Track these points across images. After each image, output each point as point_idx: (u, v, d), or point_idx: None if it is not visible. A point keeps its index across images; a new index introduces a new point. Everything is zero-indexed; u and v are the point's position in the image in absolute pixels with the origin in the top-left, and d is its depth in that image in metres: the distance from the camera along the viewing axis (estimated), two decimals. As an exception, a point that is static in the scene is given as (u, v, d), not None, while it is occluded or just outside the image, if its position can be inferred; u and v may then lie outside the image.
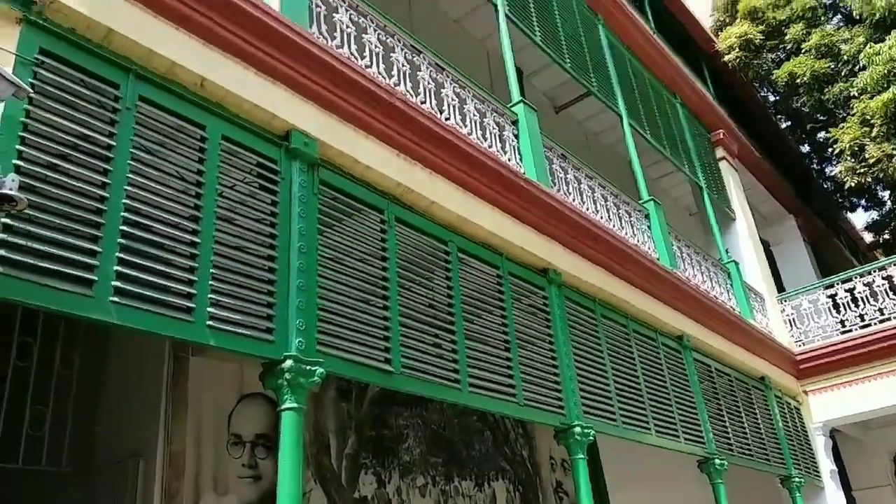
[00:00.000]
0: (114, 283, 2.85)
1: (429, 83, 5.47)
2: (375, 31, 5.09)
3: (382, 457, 6.06)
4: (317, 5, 4.59)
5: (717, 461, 7.05)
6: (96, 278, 2.79)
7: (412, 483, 6.25)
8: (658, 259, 7.68)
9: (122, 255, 2.92)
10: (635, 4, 11.20)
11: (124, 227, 2.97)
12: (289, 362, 3.37)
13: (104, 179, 2.95)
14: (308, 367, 3.44)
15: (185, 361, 4.78)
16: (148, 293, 2.95)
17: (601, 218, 7.02)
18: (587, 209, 6.86)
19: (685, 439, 6.76)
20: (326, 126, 4.17)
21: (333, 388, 5.73)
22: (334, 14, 4.74)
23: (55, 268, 2.67)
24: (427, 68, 5.55)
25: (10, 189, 2.16)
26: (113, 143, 3.03)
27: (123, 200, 3.01)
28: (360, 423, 5.92)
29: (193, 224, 3.26)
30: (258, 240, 3.55)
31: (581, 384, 5.60)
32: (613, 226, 7.21)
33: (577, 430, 5.23)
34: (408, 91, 5.13)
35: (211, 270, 3.24)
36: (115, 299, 2.83)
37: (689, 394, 7.26)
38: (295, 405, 3.36)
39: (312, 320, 3.60)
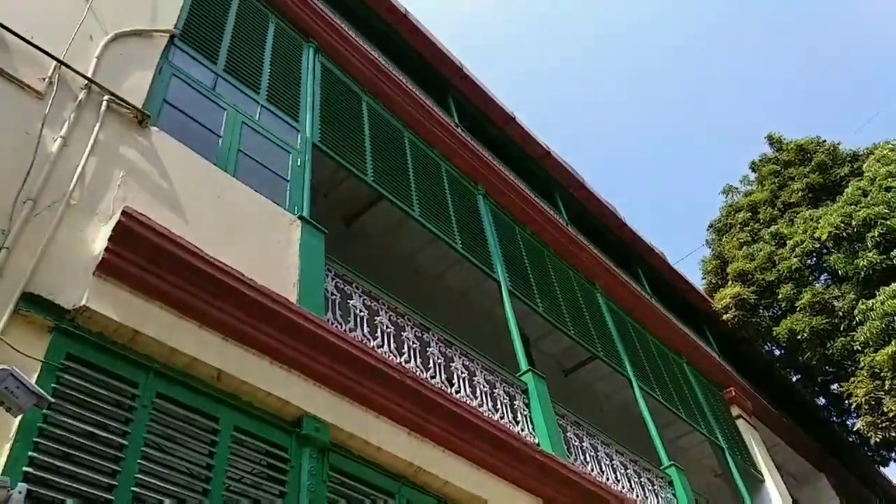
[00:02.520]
0: None
1: (438, 358, 5.62)
2: (387, 312, 5.37)
3: None
4: (332, 294, 4.91)
5: None
6: (89, 592, 2.62)
7: None
8: (688, 532, 7.17)
9: (119, 564, 2.77)
10: (630, 272, 11.91)
11: (126, 530, 2.86)
12: None
13: (111, 481, 2.91)
14: None
15: None
16: None
17: (622, 489, 6.70)
18: (606, 478, 6.59)
19: None
20: (338, 409, 4.21)
21: None
22: (349, 301, 5.05)
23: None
24: (436, 344, 5.75)
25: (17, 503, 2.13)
26: (125, 442, 3.05)
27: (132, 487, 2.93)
28: None
29: (197, 522, 3.13)
30: (263, 536, 3.38)
31: None
32: (636, 496, 6.85)
33: None
34: (418, 367, 5.26)
35: (211, 574, 3.04)
36: None
37: None
38: None
39: None
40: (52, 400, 2.77)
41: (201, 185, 4.31)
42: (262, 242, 4.49)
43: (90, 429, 2.94)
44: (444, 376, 5.52)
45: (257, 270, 4.11)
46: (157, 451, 3.15)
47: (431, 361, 5.55)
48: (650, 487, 7.38)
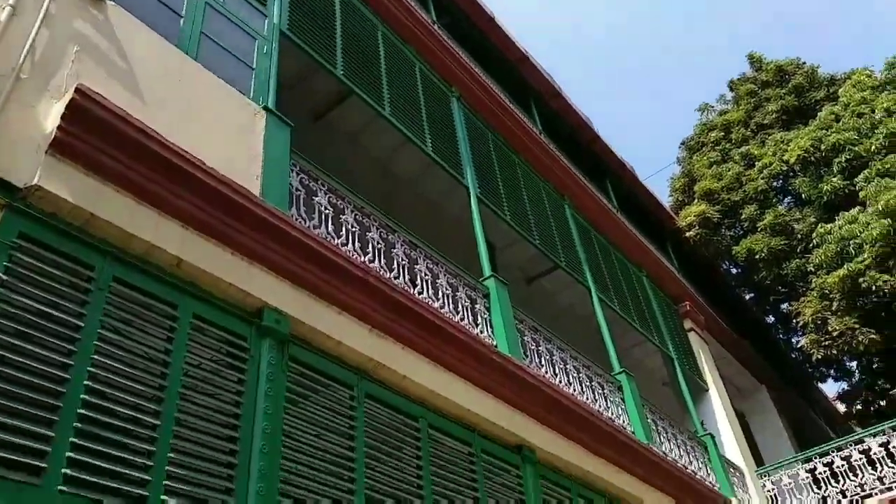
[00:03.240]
0: (65, 470, 2.73)
1: (403, 259, 5.65)
2: (352, 211, 5.34)
3: None
4: (297, 189, 4.84)
5: None
6: (46, 465, 2.68)
7: None
8: (633, 433, 7.56)
9: (76, 441, 2.82)
10: (599, 185, 11.96)
11: (83, 411, 2.89)
12: (243, 554, 3.16)
13: (67, 361, 2.92)
14: (264, 558, 3.22)
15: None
16: (100, 481, 2.82)
17: (574, 391, 6.99)
18: (559, 382, 6.85)
19: None
20: (300, 303, 4.24)
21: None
22: (313, 197, 4.99)
23: (2, 455, 2.56)
24: (401, 245, 5.76)
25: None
26: (81, 323, 3.04)
27: (85, 382, 2.95)
28: None
29: (155, 405, 3.18)
30: (221, 420, 3.46)
31: (557, 573, 5.27)
32: (586, 398, 7.16)
33: None
34: (382, 267, 5.29)
35: (169, 454, 3.12)
36: (64, 488, 2.70)
37: (672, 582, 6.85)
38: None
39: (272, 505, 3.43)
40: (4, 277, 2.72)
41: (160, 66, 4.12)
42: (225, 132, 4.37)
43: (45, 308, 2.92)
44: (407, 277, 5.58)
45: (219, 160, 4.02)
46: (114, 334, 3.16)
47: (395, 262, 5.58)
48: (600, 391, 7.71)
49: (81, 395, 2.90)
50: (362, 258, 5.09)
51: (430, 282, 5.88)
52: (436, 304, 5.66)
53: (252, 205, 4.05)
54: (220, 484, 3.27)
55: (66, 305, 3.01)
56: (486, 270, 6.74)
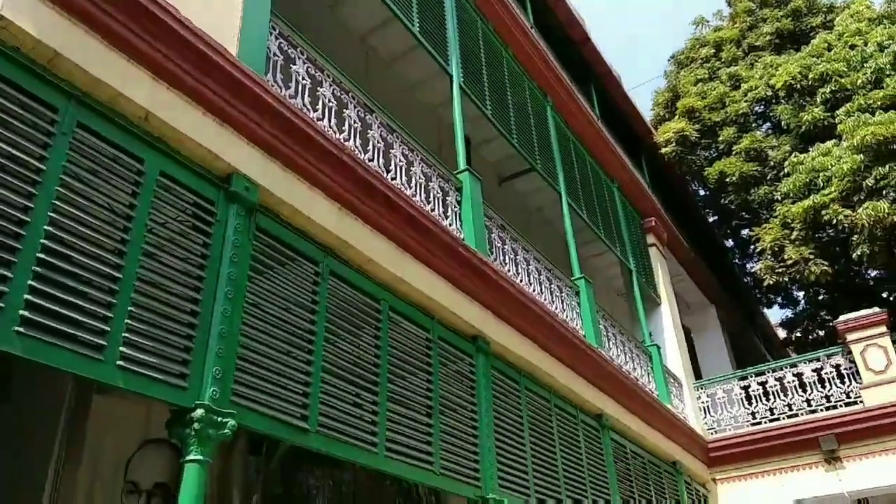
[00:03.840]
0: (22, 312, 2.70)
1: (378, 142, 5.53)
2: (331, 85, 5.15)
3: (288, 516, 5.81)
4: (274, 54, 4.62)
5: (626, 545, 7.06)
6: (3, 305, 2.64)
7: (316, 546, 6.00)
8: (585, 336, 7.82)
9: (34, 284, 2.77)
10: (583, 91, 11.74)
11: (42, 255, 2.83)
12: (199, 411, 3.22)
13: (27, 203, 2.82)
14: (219, 419, 3.30)
15: (88, 400, 4.52)
16: (58, 326, 2.80)
17: (534, 291, 7.13)
18: (521, 280, 6.97)
19: (596, 520, 6.76)
20: (270, 173, 4.14)
21: (244, 440, 5.50)
22: (291, 65, 4.78)
23: (-41, 290, 2.51)
24: (378, 127, 5.62)
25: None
26: (43, 167, 2.92)
27: (45, 227, 2.88)
28: (268, 478, 5.68)
29: (117, 258, 3.13)
30: (184, 281, 3.44)
31: (499, 456, 5.56)
32: (545, 299, 7.33)
33: (491, 503, 5.16)
34: (357, 147, 5.18)
35: (129, 308, 3.11)
36: (22, 329, 2.68)
37: (603, 474, 7.30)
38: (200, 457, 3.20)
39: (230, 369, 3.48)
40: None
41: None
42: (203, -18, 4.08)
43: (5, 147, 2.79)
44: (381, 161, 5.47)
45: (196, 14, 3.78)
46: (77, 182, 3.05)
47: (371, 144, 5.46)
48: (558, 294, 7.89)
49: (41, 240, 2.83)
50: (338, 135, 4.96)
51: (403, 168, 5.79)
52: (408, 192, 5.61)
53: (228, 64, 3.86)
54: (180, 342, 3.29)
55: (26, 146, 2.87)
56: (462, 164, 6.66)
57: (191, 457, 3.19)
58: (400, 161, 5.77)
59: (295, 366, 3.93)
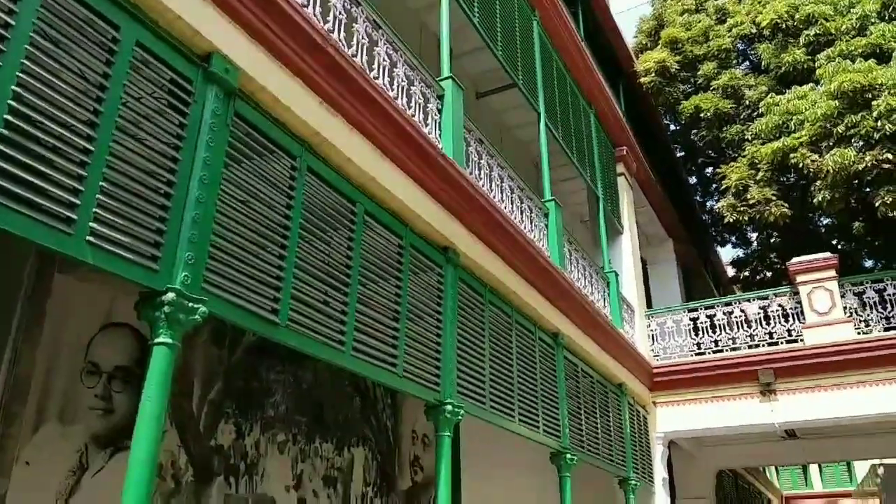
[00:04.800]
0: (-12, 175, 2.55)
1: (363, 38, 5.30)
2: (318, -30, 4.85)
3: (247, 408, 5.88)
4: (262, -72, 4.29)
5: (569, 456, 7.40)
6: (-32, 166, 2.49)
7: (272, 438, 6.11)
8: (549, 257, 7.91)
9: (2, 148, 2.61)
10: (570, 10, 11.41)
11: (9, 117, 2.65)
12: (170, 295, 3.16)
13: (-5, 59, 2.62)
14: (190, 304, 3.24)
15: (49, 278, 4.39)
16: (25, 194, 2.66)
17: (506, 208, 7.12)
18: (495, 197, 6.94)
19: (545, 431, 7.03)
20: (252, 57, 3.94)
21: (208, 330, 5.48)
22: (279, -58, 4.46)
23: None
24: (364, 22, 5.37)
25: None
26: (12, 21, 2.70)
27: (13, 87, 2.68)
28: (231, 370, 5.71)
29: (89, 129, 2.96)
30: (159, 161, 3.29)
31: (459, 365, 5.68)
32: (515, 218, 7.33)
33: (449, 408, 5.30)
34: (341, 41, 4.95)
35: (101, 182, 2.97)
36: (-13, 194, 2.54)
37: (554, 389, 7.56)
38: (169, 341, 3.16)
39: (203, 256, 3.40)
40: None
41: None
42: None
43: (-31, -7, 2.56)
44: (365, 59, 5.26)
45: None
46: (49, 43, 2.83)
47: (356, 39, 5.23)
48: (528, 214, 7.91)
49: (8, 101, 2.65)
50: (322, 25, 4.72)
51: (387, 69, 5.59)
52: (390, 94, 5.43)
53: (213, -69, 3.58)
54: (153, 223, 3.18)
55: (-6, -4, 2.64)
56: (446, 71, 6.47)
57: (160, 339, 3.14)
58: (384, 61, 5.56)
59: (268, 259, 3.87)
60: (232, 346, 5.75)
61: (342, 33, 5.02)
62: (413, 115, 5.72)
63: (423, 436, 8.18)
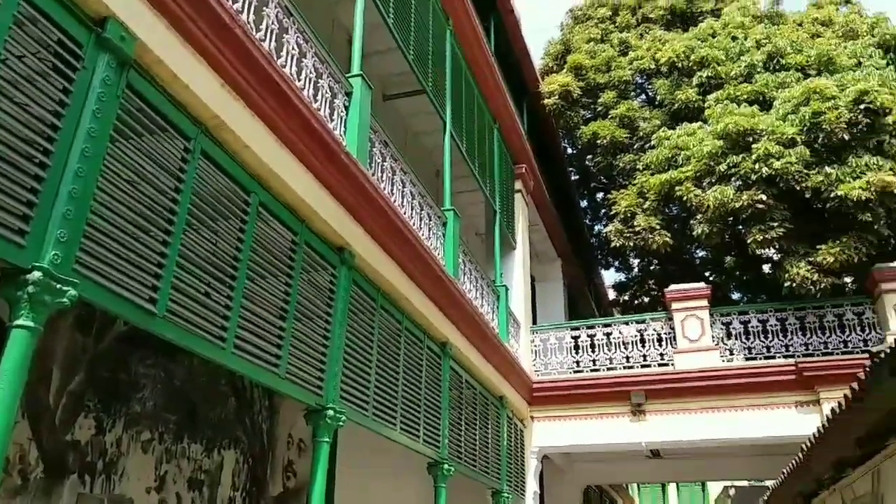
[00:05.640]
0: None
1: (273, 23, 5.10)
2: (232, -54, 4.62)
3: (111, 402, 5.45)
4: None
5: (447, 466, 7.42)
6: None
7: (136, 436, 5.71)
8: (445, 266, 7.93)
9: None
10: (483, 25, 11.58)
11: None
12: (36, 274, 2.86)
13: None
14: (58, 286, 2.95)
15: None
16: None
17: (405, 213, 7.07)
18: (395, 201, 6.87)
19: (424, 441, 7.01)
20: (152, 28, 3.67)
21: (73, 315, 5.05)
22: None
23: None
24: (275, 7, 5.17)
25: None
26: None
27: None
28: (96, 359, 5.28)
29: (-46, 83, 2.64)
30: (36, 126, 2.99)
31: (345, 369, 5.54)
32: (414, 224, 7.30)
33: (331, 413, 5.16)
34: (250, 23, 4.73)
35: (-37, 144, 2.65)
36: None
37: (437, 399, 7.56)
38: (31, 324, 2.86)
39: (77, 234, 3.11)
40: None
41: None
42: None
43: None
44: (274, 45, 5.06)
45: None
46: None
47: (265, 24, 5.02)
48: (427, 221, 7.90)
49: None
50: (231, 4, 4.49)
51: (295, 58, 5.41)
52: (297, 84, 5.25)
53: None
54: (23, 194, 2.88)
55: None
56: (356, 68, 6.34)
57: (20, 322, 2.84)
58: (293, 49, 5.38)
59: (150, 244, 3.61)
60: (100, 334, 5.32)
61: (252, 16, 4.80)
62: (319, 109, 5.57)
63: (299, 440, 7.94)
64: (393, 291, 6.67)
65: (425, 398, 7.18)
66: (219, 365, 4.24)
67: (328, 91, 5.85)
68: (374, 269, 6.24)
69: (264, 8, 5.04)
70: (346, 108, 6.15)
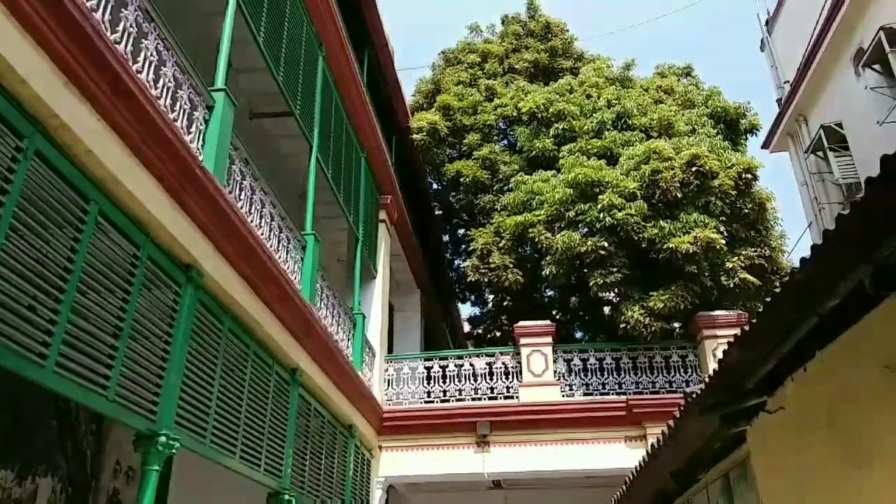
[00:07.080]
0: None
1: (132, 26, 4.87)
2: (91, -59, 4.39)
3: None
4: None
5: (288, 496, 7.20)
6: None
7: (-70, 462, 5.10)
8: (301, 291, 7.79)
9: None
10: (357, 55, 11.69)
11: None
12: None
13: None
14: None
15: None
16: None
17: (262, 234, 6.91)
18: (252, 221, 6.70)
19: (266, 470, 6.77)
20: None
21: None
22: None
23: None
24: (135, 10, 4.95)
25: None
26: None
27: None
28: None
29: None
30: None
31: (183, 394, 5.26)
32: (271, 246, 7.14)
33: (163, 439, 4.86)
34: (105, 22, 4.50)
35: None
36: None
37: (283, 426, 7.35)
38: None
39: None
40: None
41: None
42: None
43: None
44: (130, 48, 4.83)
45: None
46: None
47: (122, 26, 4.78)
48: (286, 244, 7.76)
49: None
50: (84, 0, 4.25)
51: (154, 65, 5.19)
52: (153, 92, 5.03)
53: None
54: None
55: None
56: (220, 82, 6.18)
57: None
58: (152, 55, 5.16)
59: (-36, 248, 3.28)
60: None
61: (107, 14, 4.56)
62: (175, 120, 5.35)
63: (127, 468, 7.40)
64: (243, 314, 6.46)
65: (270, 426, 6.96)
66: (39, 385, 3.89)
67: (187, 102, 5.65)
68: (224, 290, 6.01)
69: (123, 9, 4.80)
70: (207, 121, 5.96)
